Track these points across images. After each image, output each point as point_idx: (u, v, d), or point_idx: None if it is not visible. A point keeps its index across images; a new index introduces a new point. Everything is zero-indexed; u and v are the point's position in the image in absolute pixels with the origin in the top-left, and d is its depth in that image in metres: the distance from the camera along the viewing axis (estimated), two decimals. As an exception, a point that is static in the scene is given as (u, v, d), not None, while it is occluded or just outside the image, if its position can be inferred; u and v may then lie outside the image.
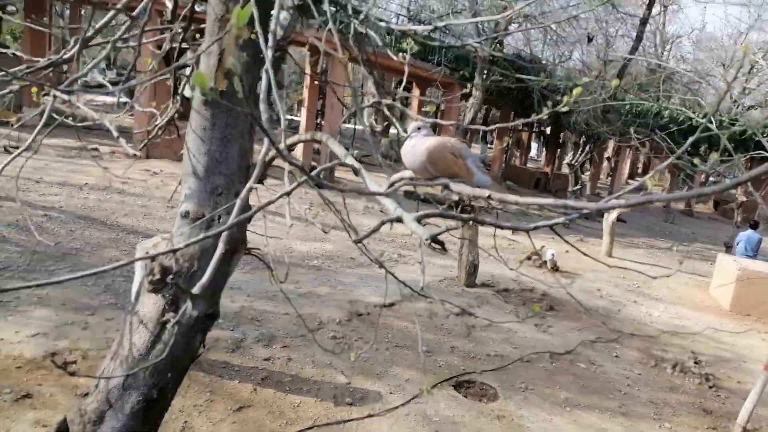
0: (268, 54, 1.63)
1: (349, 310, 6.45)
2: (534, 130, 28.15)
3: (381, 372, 5.15)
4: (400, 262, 8.99)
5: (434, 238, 1.12)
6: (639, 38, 17.58)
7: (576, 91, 1.48)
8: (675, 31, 33.03)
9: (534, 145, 36.30)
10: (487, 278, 8.70)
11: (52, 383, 4.06)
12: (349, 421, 4.30)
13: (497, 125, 1.95)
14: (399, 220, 1.19)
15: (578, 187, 17.24)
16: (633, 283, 10.48)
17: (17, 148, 1.84)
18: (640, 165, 38.02)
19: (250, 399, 4.37)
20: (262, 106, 1.47)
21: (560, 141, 25.27)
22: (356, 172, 1.43)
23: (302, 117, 15.89)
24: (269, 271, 2.03)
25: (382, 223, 1.19)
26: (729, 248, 12.24)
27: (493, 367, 5.67)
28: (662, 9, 24.61)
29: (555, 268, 10.03)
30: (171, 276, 1.96)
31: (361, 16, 1.83)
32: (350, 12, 1.85)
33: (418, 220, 1.16)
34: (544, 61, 18.95)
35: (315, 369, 4.98)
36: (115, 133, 1.70)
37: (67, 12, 23.79)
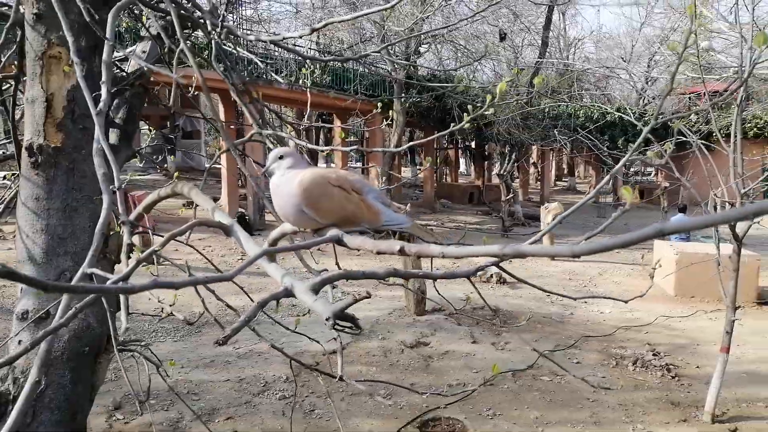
0: (103, 91, 1.27)
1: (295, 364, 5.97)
2: (459, 146, 28.59)
3: (339, 428, 4.71)
4: (348, 293, 8.58)
5: (341, 314, 0.79)
6: (545, 43, 18.21)
7: (500, 87, 1.23)
8: (576, 34, 34.77)
9: (462, 161, 36.92)
10: (437, 303, 8.42)
11: None
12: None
13: (420, 141, 1.64)
14: (289, 293, 0.85)
15: (510, 195, 17.44)
16: (580, 283, 10.50)
17: None
18: (566, 166, 39.37)
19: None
20: (96, 160, 1.10)
21: (486, 153, 25.73)
22: (227, 231, 1.09)
23: (223, 163, 15.32)
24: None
25: (261, 305, 0.86)
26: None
27: (456, 398, 5.34)
28: (561, 14, 25.78)
29: (502, 281, 9.90)
30: (9, 403, 1.50)
31: (218, 32, 1.48)
32: (209, 29, 1.51)
33: (318, 288, 0.83)
34: (459, 79, 19.28)
35: (265, 438, 4.50)
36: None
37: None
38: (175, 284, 0.69)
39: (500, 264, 1.21)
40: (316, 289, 0.84)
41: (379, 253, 0.84)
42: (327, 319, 0.81)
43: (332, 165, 23.28)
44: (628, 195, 0.81)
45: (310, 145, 2.06)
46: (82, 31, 1.58)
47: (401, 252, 0.79)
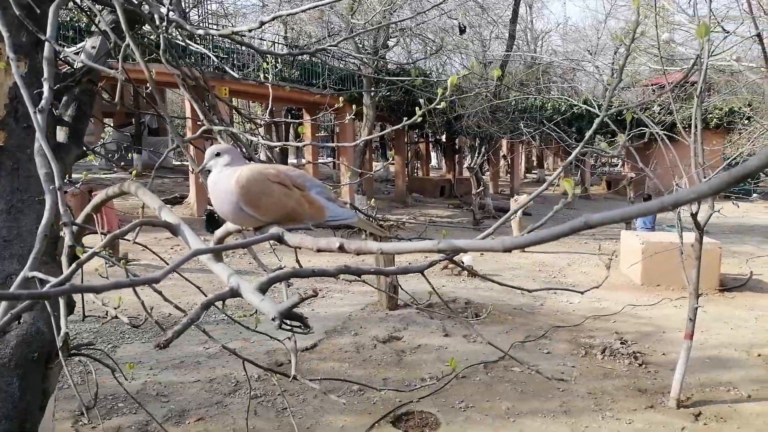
0: (46, 89, 1.21)
1: (267, 362, 5.91)
2: (430, 140, 28.66)
3: (312, 425, 4.68)
4: (324, 296, 8.53)
5: (288, 314, 0.76)
6: (512, 36, 18.34)
7: (451, 80, 1.21)
8: (543, 27, 35.13)
9: (433, 155, 37.04)
10: (408, 297, 8.43)
11: None
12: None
13: (385, 131, 1.61)
14: (235, 293, 0.82)
15: (481, 188, 17.58)
16: (549, 274, 10.64)
17: None
18: (535, 158, 39.83)
19: (163, 493, 3.76)
20: (38, 160, 1.05)
21: (456, 147, 25.85)
22: (173, 231, 1.04)
23: (191, 162, 15.06)
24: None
25: (205, 306, 0.82)
26: (628, 224, 12.83)
27: (429, 392, 5.36)
28: (528, 7, 26.02)
29: (473, 273, 9.96)
30: None
31: (165, 26, 1.42)
32: (158, 22, 1.45)
33: (265, 288, 0.80)
34: (428, 72, 19.30)
35: (236, 439, 4.44)
36: None
37: None
38: (96, 288, 0.65)
39: (455, 257, 1.19)
40: (263, 289, 0.82)
41: (319, 250, 0.82)
42: (273, 319, 0.78)
43: (303, 161, 23.12)
44: (569, 188, 0.80)
45: (270, 143, 2.02)
46: (24, 26, 1.51)
47: (341, 249, 0.76)
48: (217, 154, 1.27)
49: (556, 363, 6.12)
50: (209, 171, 1.26)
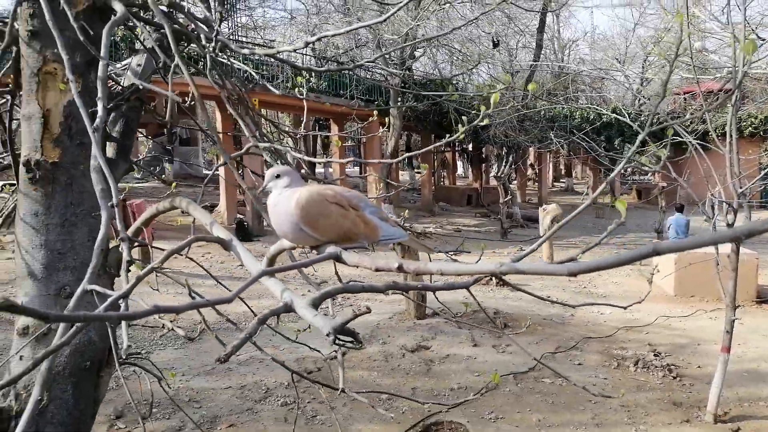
0: (100, 108, 1.28)
1: (296, 369, 5.96)
2: (457, 149, 28.61)
3: (341, 433, 4.71)
4: (345, 305, 8.58)
5: (341, 329, 0.80)
6: (539, 46, 18.26)
7: (494, 98, 1.24)
8: (570, 36, 34.87)
9: (460, 163, 36.94)
10: (437, 306, 8.42)
11: None
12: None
13: (418, 152, 1.64)
14: (289, 308, 0.86)
15: (509, 198, 17.46)
16: (580, 284, 10.50)
17: None
18: (563, 167, 39.41)
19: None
20: (94, 176, 1.11)
21: (483, 155, 25.75)
22: (226, 246, 1.09)
23: (221, 171, 15.30)
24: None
25: (261, 321, 0.86)
26: (660, 234, 12.59)
27: (459, 401, 5.34)
28: (555, 16, 25.86)
29: (502, 283, 9.89)
30: (12, 419, 1.49)
31: (213, 46, 1.48)
32: (204, 42, 1.52)
33: (317, 303, 0.84)
34: (454, 81, 19.32)
35: (267, 446, 4.49)
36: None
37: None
38: (177, 309, 0.70)
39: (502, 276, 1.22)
40: (315, 304, 0.85)
41: (377, 270, 0.84)
42: (327, 335, 0.81)
43: (330, 170, 23.27)
44: (623, 208, 0.82)
45: (306, 157, 2.07)
46: (77, 46, 1.59)
47: (399, 269, 0.79)
48: (277, 176, 1.32)
49: (588, 374, 6.04)
50: (269, 192, 1.32)
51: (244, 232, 13.62)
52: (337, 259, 0.99)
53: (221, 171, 15.07)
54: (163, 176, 19.79)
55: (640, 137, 1.33)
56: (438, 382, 5.79)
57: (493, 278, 10.00)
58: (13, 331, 5.87)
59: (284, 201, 1.27)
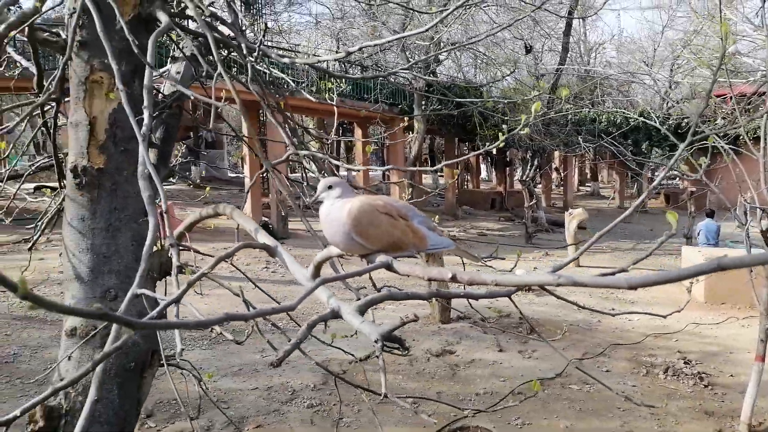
0: (146, 116, 1.32)
1: (323, 371, 6.00)
2: (481, 152, 28.48)
3: (367, 436, 4.73)
4: (377, 307, 8.60)
5: (389, 336, 0.81)
6: (565, 49, 18.10)
7: (535, 106, 1.24)
8: (597, 39, 34.48)
9: (483, 167, 36.77)
10: (462, 310, 8.39)
11: None
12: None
13: (448, 162, 1.64)
14: (336, 315, 0.88)
15: (533, 202, 17.33)
16: (607, 290, 10.36)
17: None
18: (588, 171, 38.96)
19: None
20: (141, 183, 1.15)
21: (508, 159, 25.61)
22: (271, 253, 1.12)
23: (246, 173, 15.51)
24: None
25: (310, 327, 0.88)
26: (689, 239, 12.37)
27: (485, 407, 5.32)
28: (581, 20, 25.62)
29: (527, 288, 9.82)
30: (62, 417, 1.54)
31: (255, 55, 1.52)
32: (245, 51, 1.56)
33: (363, 310, 0.85)
34: (478, 85, 19.27)
35: (294, 447, 4.53)
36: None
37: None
38: (246, 316, 0.73)
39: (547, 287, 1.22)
40: (362, 311, 0.87)
41: (430, 279, 0.86)
42: (376, 341, 0.83)
43: (353, 173, 23.36)
44: (674, 220, 0.82)
45: (335, 162, 2.10)
46: (122, 56, 1.64)
47: (453, 279, 0.81)
48: (330, 187, 1.38)
49: (616, 381, 5.96)
50: (320, 202, 1.37)
51: (269, 234, 13.75)
52: (389, 267, 1.01)
53: (247, 172, 15.22)
54: (191, 177, 20.12)
55: (679, 150, 1.32)
56: (463, 387, 5.78)
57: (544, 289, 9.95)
58: (47, 330, 6.03)
59: (336, 211, 1.31)
